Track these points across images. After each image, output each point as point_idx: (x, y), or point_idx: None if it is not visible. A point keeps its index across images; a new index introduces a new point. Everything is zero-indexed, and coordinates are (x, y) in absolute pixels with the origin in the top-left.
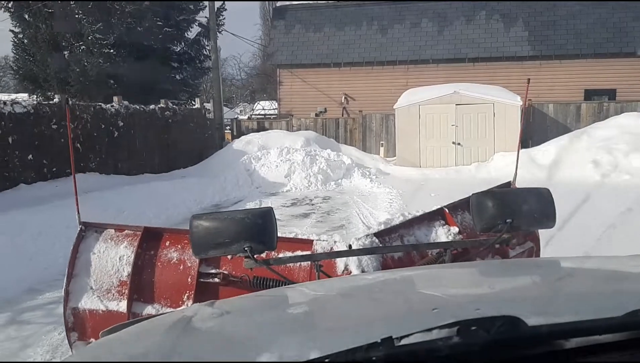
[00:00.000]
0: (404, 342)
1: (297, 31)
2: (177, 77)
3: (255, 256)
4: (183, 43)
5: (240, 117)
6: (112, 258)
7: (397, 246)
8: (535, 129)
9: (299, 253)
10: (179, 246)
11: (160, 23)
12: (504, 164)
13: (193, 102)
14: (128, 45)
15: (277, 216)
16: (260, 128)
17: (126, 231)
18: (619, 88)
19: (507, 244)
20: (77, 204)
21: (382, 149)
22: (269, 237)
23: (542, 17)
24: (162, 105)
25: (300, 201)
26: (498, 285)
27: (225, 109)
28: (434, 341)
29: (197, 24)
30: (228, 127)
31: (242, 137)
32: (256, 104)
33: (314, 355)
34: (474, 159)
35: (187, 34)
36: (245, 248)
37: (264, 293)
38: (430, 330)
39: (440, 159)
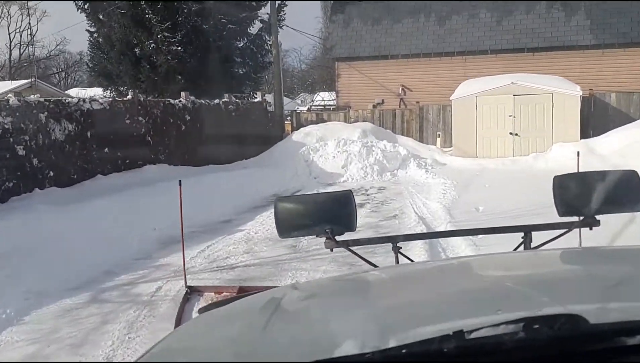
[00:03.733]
0: (473, 335)
1: (355, 24)
2: (240, 71)
3: (335, 237)
4: (245, 39)
5: (300, 108)
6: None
7: (476, 229)
8: (597, 119)
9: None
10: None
11: (224, 20)
12: (562, 155)
13: (255, 95)
14: (194, 42)
15: None
16: (319, 120)
17: (224, 292)
18: None
19: (590, 228)
20: (185, 270)
21: (438, 140)
22: (349, 219)
23: (605, 4)
24: (226, 99)
25: (355, 191)
26: (567, 275)
27: (285, 100)
28: (500, 335)
29: (259, 19)
30: (288, 118)
31: (301, 129)
32: (316, 95)
33: (392, 344)
34: (532, 149)
35: (250, 30)
36: (327, 230)
37: (343, 277)
38: (498, 325)
39: (497, 150)
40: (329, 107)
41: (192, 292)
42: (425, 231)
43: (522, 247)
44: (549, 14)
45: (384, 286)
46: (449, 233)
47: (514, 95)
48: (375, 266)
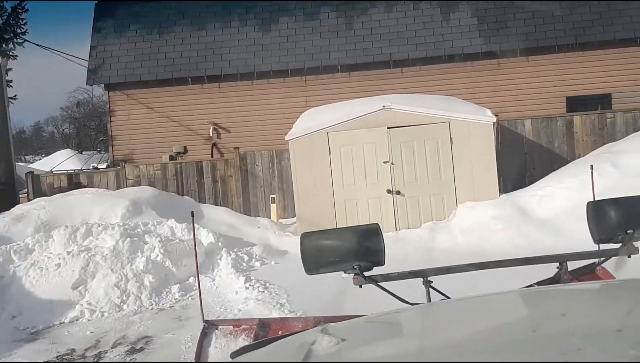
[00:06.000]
0: None
1: (134, 34)
2: None
3: (364, 273)
4: None
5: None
6: (232, 350)
7: (508, 260)
8: (509, 158)
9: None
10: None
11: None
12: (476, 222)
13: None
14: None
15: None
16: (74, 185)
17: (243, 325)
18: (615, 92)
19: (629, 256)
20: (201, 304)
21: (274, 208)
22: (377, 254)
23: None
24: None
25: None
26: (624, 307)
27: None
28: None
29: None
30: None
31: (13, 209)
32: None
33: None
34: (426, 216)
35: None
36: (355, 266)
37: (375, 318)
38: None
39: (369, 220)
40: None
41: (210, 326)
42: None
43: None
44: (418, 11)
45: (418, 327)
46: (485, 264)
47: (388, 128)
48: (407, 302)
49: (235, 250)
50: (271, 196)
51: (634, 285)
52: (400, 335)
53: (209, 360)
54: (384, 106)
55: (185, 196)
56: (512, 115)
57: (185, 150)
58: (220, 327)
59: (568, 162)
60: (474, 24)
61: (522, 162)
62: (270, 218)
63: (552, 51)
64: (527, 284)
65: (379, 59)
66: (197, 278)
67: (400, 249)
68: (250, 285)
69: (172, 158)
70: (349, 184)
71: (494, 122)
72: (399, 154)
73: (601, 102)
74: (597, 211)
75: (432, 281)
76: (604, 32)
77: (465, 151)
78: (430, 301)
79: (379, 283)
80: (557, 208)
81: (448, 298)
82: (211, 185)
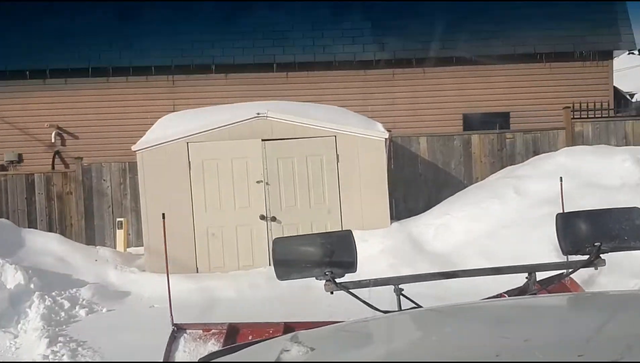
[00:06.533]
0: None
1: None
2: None
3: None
4: None
5: None
6: (201, 355)
7: (478, 269)
8: (402, 180)
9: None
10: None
11: None
12: (363, 256)
13: None
14: None
15: None
16: None
17: (212, 330)
18: (514, 110)
19: (596, 268)
20: (171, 306)
21: (120, 234)
22: (349, 261)
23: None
24: None
25: None
26: (590, 324)
27: None
28: None
29: None
30: None
31: None
32: None
33: None
34: None
35: None
36: (327, 273)
37: (346, 326)
38: None
39: (238, 254)
40: None
41: (179, 330)
42: None
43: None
44: (307, 9)
45: (388, 336)
46: (454, 273)
47: (263, 139)
48: (378, 310)
49: (54, 293)
50: (118, 219)
51: (600, 298)
52: (371, 343)
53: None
54: (258, 114)
55: (4, 218)
56: (407, 131)
57: (20, 159)
58: (189, 330)
59: (465, 185)
60: (367, 28)
61: (416, 184)
62: (116, 246)
63: (450, 63)
64: (496, 293)
65: (260, 60)
66: (166, 276)
67: (270, 290)
68: (53, 351)
69: (2, 168)
70: (214, 208)
71: (386, 139)
72: (276, 172)
73: (499, 121)
74: (566, 223)
75: (402, 289)
76: (503, 45)
77: (354, 170)
78: (401, 309)
79: (350, 290)
80: (456, 241)
81: (419, 306)
82: (45, 204)
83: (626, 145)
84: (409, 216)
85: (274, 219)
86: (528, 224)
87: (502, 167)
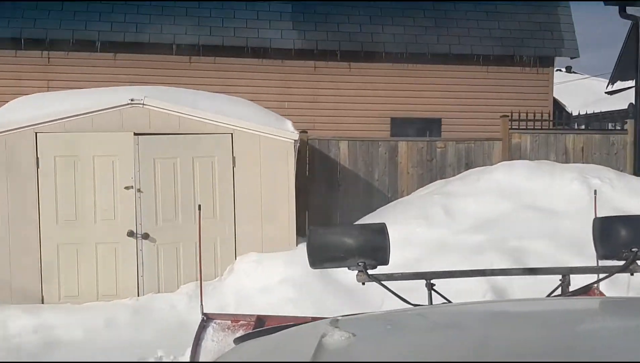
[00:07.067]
0: None
1: None
2: None
3: (368, 271)
4: None
5: None
6: (230, 345)
7: (512, 269)
8: (316, 191)
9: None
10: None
11: None
12: (259, 286)
13: None
14: None
15: None
16: None
17: (241, 321)
18: (447, 116)
19: (632, 273)
20: (202, 296)
21: None
22: (382, 253)
23: None
24: None
25: None
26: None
27: None
28: None
29: None
30: None
31: None
32: None
33: None
34: (188, 273)
35: None
36: (359, 263)
37: (384, 314)
38: None
39: (96, 282)
40: None
41: (208, 320)
42: None
43: (559, 290)
44: None
45: (424, 328)
46: (486, 272)
47: (136, 133)
48: (409, 303)
49: None
50: None
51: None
52: (410, 333)
53: (205, 354)
54: (132, 100)
55: None
56: (328, 133)
57: None
58: (217, 320)
59: (390, 200)
60: (286, 12)
61: (334, 196)
62: None
63: (380, 59)
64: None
65: (156, 40)
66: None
67: (132, 331)
68: None
69: None
70: (68, 220)
71: (295, 140)
72: (152, 175)
73: (430, 128)
74: (602, 227)
75: (434, 284)
76: (439, 43)
77: (254, 177)
78: (432, 303)
79: (381, 282)
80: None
81: (449, 302)
82: None
83: (566, 161)
84: None
85: (146, 236)
86: (460, 253)
87: (432, 180)
